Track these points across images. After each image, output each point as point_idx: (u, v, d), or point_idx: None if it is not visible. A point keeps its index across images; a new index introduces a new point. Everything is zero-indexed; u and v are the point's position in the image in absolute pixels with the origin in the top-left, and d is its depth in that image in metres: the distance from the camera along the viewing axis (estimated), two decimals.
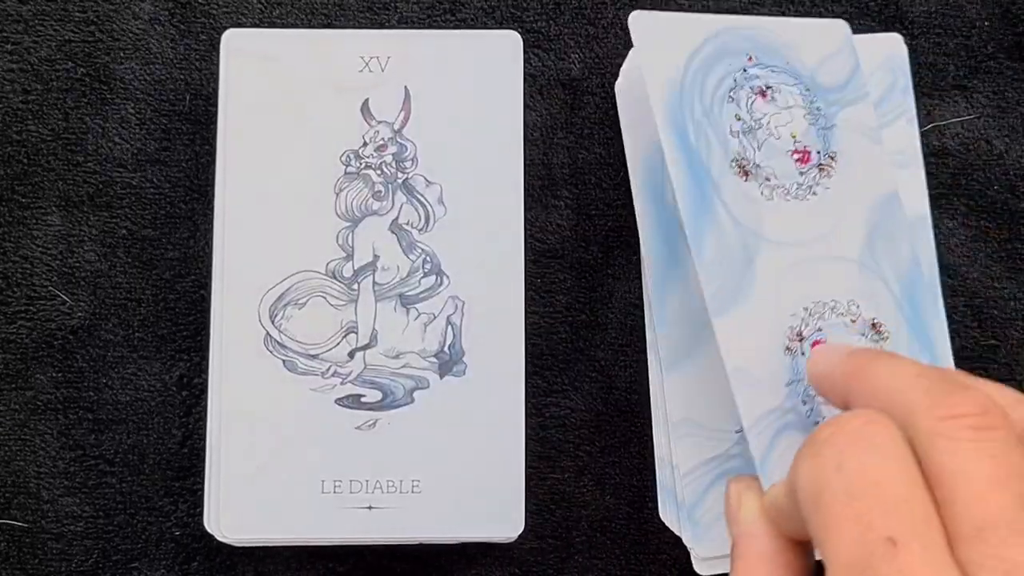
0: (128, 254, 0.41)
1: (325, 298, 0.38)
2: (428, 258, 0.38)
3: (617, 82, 0.42)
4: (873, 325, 0.39)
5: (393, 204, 0.39)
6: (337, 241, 0.38)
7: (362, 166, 0.39)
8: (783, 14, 0.42)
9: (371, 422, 0.38)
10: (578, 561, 0.40)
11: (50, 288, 0.40)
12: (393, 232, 0.39)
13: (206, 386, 0.39)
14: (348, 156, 0.39)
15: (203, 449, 0.39)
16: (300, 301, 0.38)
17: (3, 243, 0.40)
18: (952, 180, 0.42)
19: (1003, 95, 0.43)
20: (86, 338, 0.40)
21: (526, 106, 0.41)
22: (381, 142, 0.39)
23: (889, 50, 0.41)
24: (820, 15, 0.42)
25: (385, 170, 0.39)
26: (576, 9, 0.42)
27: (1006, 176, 0.42)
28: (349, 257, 0.38)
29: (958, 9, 0.43)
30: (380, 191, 0.39)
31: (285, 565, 0.39)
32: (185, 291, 0.41)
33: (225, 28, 0.41)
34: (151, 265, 0.41)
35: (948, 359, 0.39)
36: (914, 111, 0.41)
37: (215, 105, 0.40)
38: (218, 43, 0.40)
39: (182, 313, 0.40)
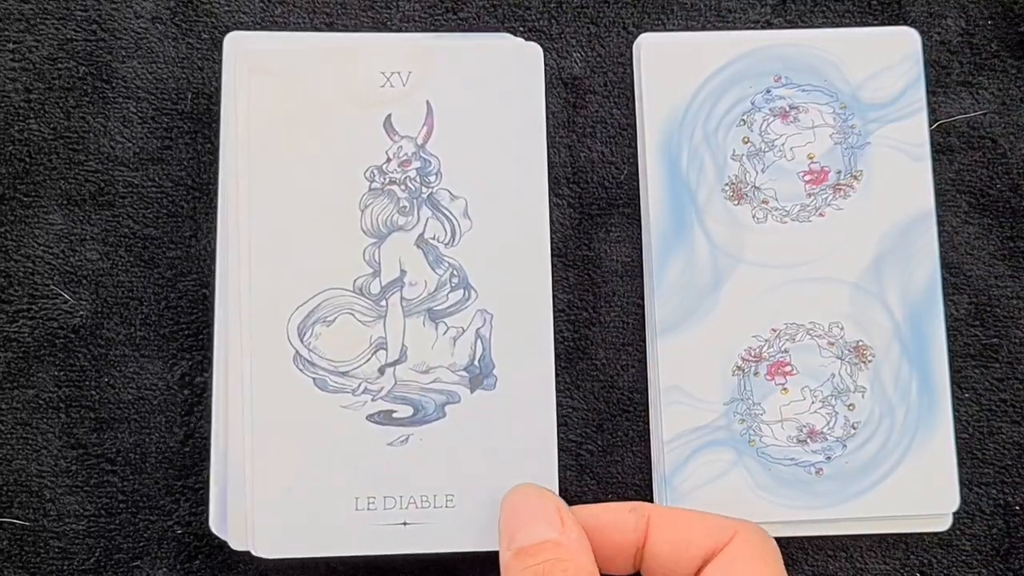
0: (130, 253, 0.41)
1: (353, 315, 0.38)
2: (455, 272, 0.38)
3: (640, 39, 0.41)
4: (856, 348, 0.39)
5: (419, 219, 0.39)
6: (364, 257, 0.38)
7: (386, 182, 0.39)
8: (783, 15, 0.42)
9: (403, 438, 0.38)
10: None
11: (52, 287, 0.40)
12: (419, 247, 0.39)
13: (208, 385, 0.40)
14: (372, 172, 0.39)
15: (205, 448, 0.39)
16: (328, 319, 0.38)
17: (5, 242, 0.40)
18: (956, 177, 0.42)
19: (1007, 93, 0.42)
20: (88, 337, 0.40)
21: None
22: (405, 157, 0.39)
23: (907, 43, 0.41)
24: (823, 14, 0.42)
25: (409, 185, 0.39)
26: (578, 8, 0.42)
27: (1009, 175, 0.42)
28: (376, 273, 0.38)
29: (960, 8, 0.43)
30: (405, 206, 0.39)
31: (287, 564, 0.39)
32: (187, 290, 0.41)
33: (227, 27, 0.41)
34: (153, 264, 0.41)
35: (944, 378, 0.39)
36: (925, 105, 0.41)
37: (217, 104, 0.40)
38: (220, 42, 0.40)
39: (184, 312, 0.40)
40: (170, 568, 0.39)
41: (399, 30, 0.42)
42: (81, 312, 0.40)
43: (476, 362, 0.38)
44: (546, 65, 0.42)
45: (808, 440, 0.39)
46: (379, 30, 0.42)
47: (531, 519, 0.34)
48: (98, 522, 0.39)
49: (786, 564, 0.40)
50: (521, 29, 0.42)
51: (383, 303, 0.38)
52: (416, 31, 0.42)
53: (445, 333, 0.38)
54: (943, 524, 0.40)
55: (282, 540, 0.37)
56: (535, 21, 0.42)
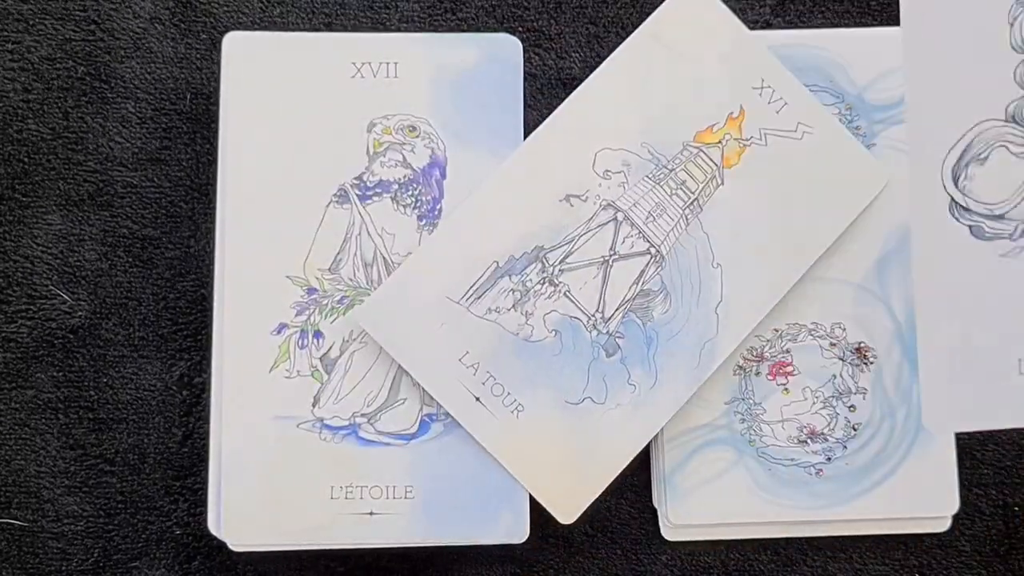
0: (128, 253, 0.41)
1: (1007, 147, 0.33)
2: None
3: None
4: (858, 349, 0.39)
5: None
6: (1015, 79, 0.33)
7: None
8: (783, 15, 0.42)
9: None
10: (579, 561, 0.40)
11: (51, 287, 0.40)
12: None
13: (207, 385, 0.39)
14: None
15: (204, 448, 0.39)
16: (981, 156, 0.33)
17: (3, 242, 0.40)
18: None
19: None
20: (87, 337, 0.40)
21: (527, 105, 0.41)
22: None
23: None
24: (823, 14, 0.42)
25: None
26: (577, 8, 0.42)
27: None
28: None
29: None
30: None
31: (285, 564, 0.39)
32: (186, 290, 0.41)
33: (225, 27, 0.41)
34: (151, 264, 0.41)
35: None
36: None
37: (216, 104, 0.40)
38: (219, 42, 0.40)
39: (183, 312, 0.40)
40: (168, 569, 0.39)
41: (398, 30, 0.42)
42: (80, 312, 0.40)
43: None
44: (546, 65, 0.42)
45: (809, 440, 0.39)
46: (378, 30, 0.42)
47: None
48: (97, 523, 0.39)
49: (786, 564, 0.40)
50: (520, 29, 0.42)
51: None
52: (415, 31, 0.42)
53: None
54: (942, 525, 0.40)
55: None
56: (534, 21, 0.42)
